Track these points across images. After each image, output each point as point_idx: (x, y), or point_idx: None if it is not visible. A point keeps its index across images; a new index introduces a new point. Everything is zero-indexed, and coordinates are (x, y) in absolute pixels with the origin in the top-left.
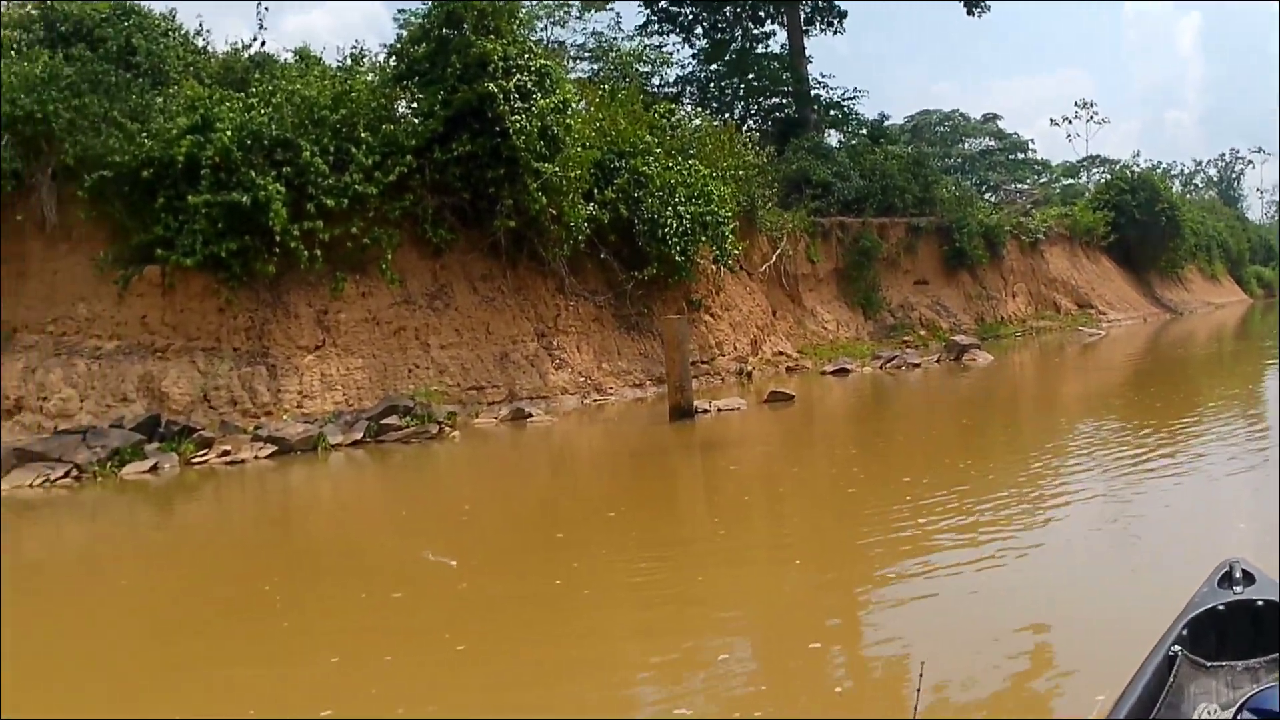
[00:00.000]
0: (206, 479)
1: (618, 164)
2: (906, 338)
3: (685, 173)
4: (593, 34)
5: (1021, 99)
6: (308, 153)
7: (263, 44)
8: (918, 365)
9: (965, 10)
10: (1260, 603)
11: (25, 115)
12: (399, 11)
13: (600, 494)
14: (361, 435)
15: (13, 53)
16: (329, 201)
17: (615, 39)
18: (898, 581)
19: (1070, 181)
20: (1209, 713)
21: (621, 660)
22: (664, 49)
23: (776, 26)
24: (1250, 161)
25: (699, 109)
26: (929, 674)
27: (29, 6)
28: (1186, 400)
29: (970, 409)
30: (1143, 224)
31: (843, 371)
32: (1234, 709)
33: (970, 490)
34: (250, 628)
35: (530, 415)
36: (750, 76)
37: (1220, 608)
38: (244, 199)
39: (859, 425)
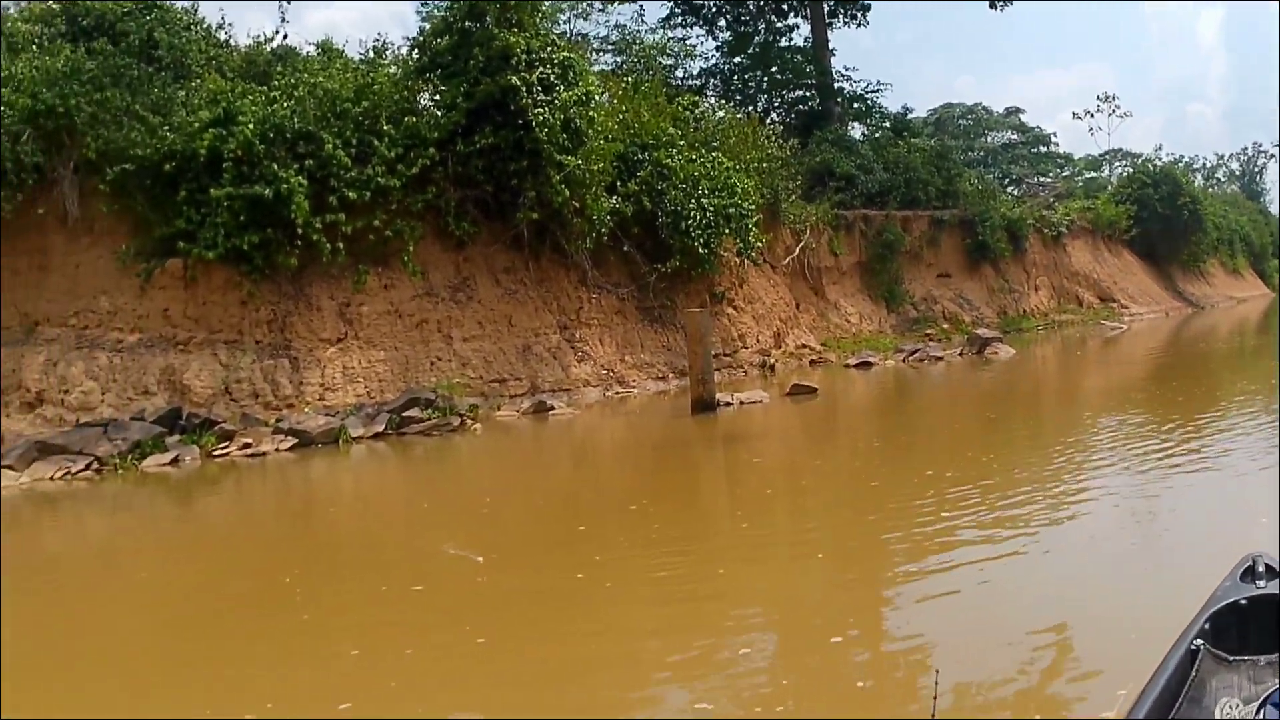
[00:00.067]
0: (227, 471)
1: (641, 156)
2: (929, 331)
3: (709, 165)
4: (616, 26)
5: (1044, 92)
6: (330, 145)
7: (285, 37)
8: (940, 358)
9: (988, 4)
10: None
11: (47, 109)
12: (421, 4)
13: (622, 487)
14: (383, 428)
15: (34, 47)
16: (351, 194)
17: (638, 31)
18: (920, 576)
19: (1092, 175)
20: (1231, 707)
21: (642, 654)
22: (687, 42)
23: (800, 19)
24: (1273, 155)
25: (722, 102)
26: (951, 670)
27: (51, 1)
28: (1208, 394)
29: (993, 403)
30: (1165, 218)
31: (866, 364)
32: (1256, 704)
33: (993, 485)
34: (270, 621)
35: (552, 408)
36: (774, 69)
37: (1243, 602)
38: (266, 192)
39: (882, 418)
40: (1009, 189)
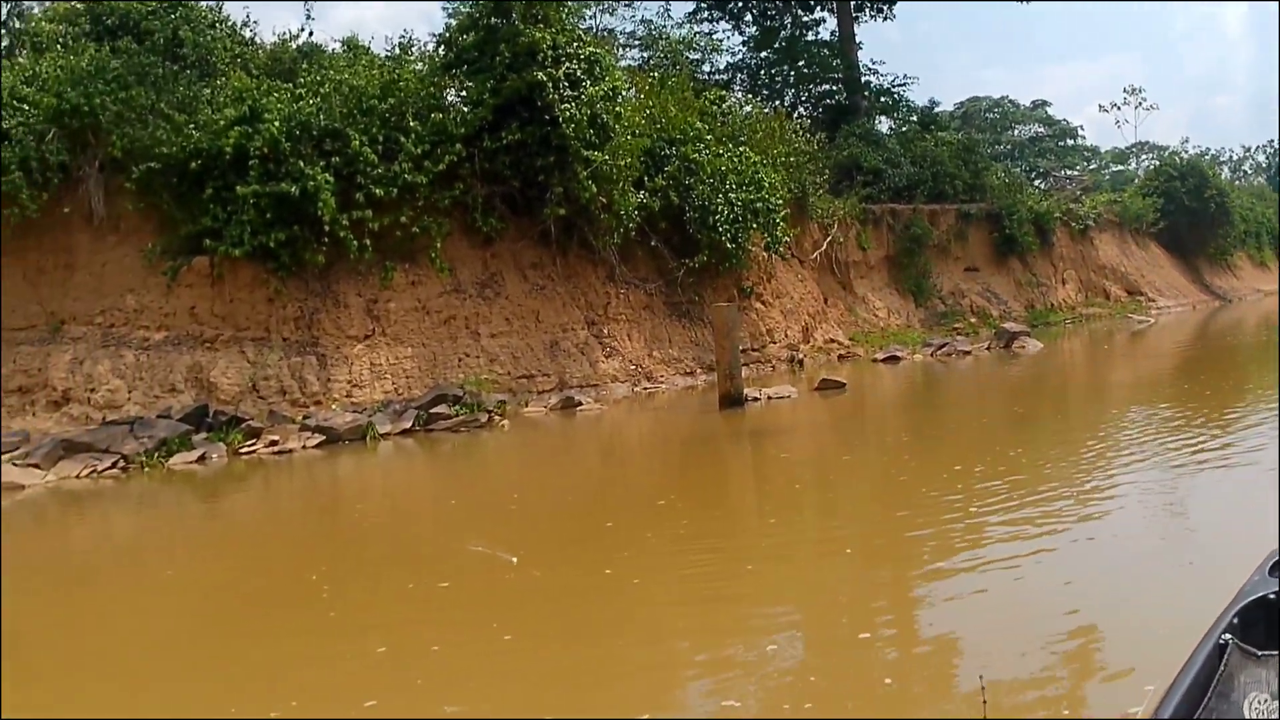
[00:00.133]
0: (254, 469)
1: (668, 151)
2: (957, 325)
3: (736, 160)
4: (642, 21)
5: (1070, 85)
6: (356, 142)
7: (310, 35)
8: (968, 353)
9: None
10: None
11: (72, 108)
12: (447, 1)
13: (649, 483)
14: (410, 424)
15: (59, 47)
16: (378, 191)
17: (665, 26)
18: (948, 572)
19: (1119, 168)
20: (1260, 702)
21: (669, 650)
22: (714, 36)
23: (826, 13)
24: None
25: (749, 96)
26: (979, 668)
27: (75, 1)
28: (1236, 388)
29: (1020, 397)
30: (1192, 211)
31: (894, 359)
32: None
33: (1021, 480)
34: (296, 618)
35: (580, 404)
36: (800, 63)
37: (1271, 596)
38: (293, 189)
39: (910, 413)
40: (1036, 182)
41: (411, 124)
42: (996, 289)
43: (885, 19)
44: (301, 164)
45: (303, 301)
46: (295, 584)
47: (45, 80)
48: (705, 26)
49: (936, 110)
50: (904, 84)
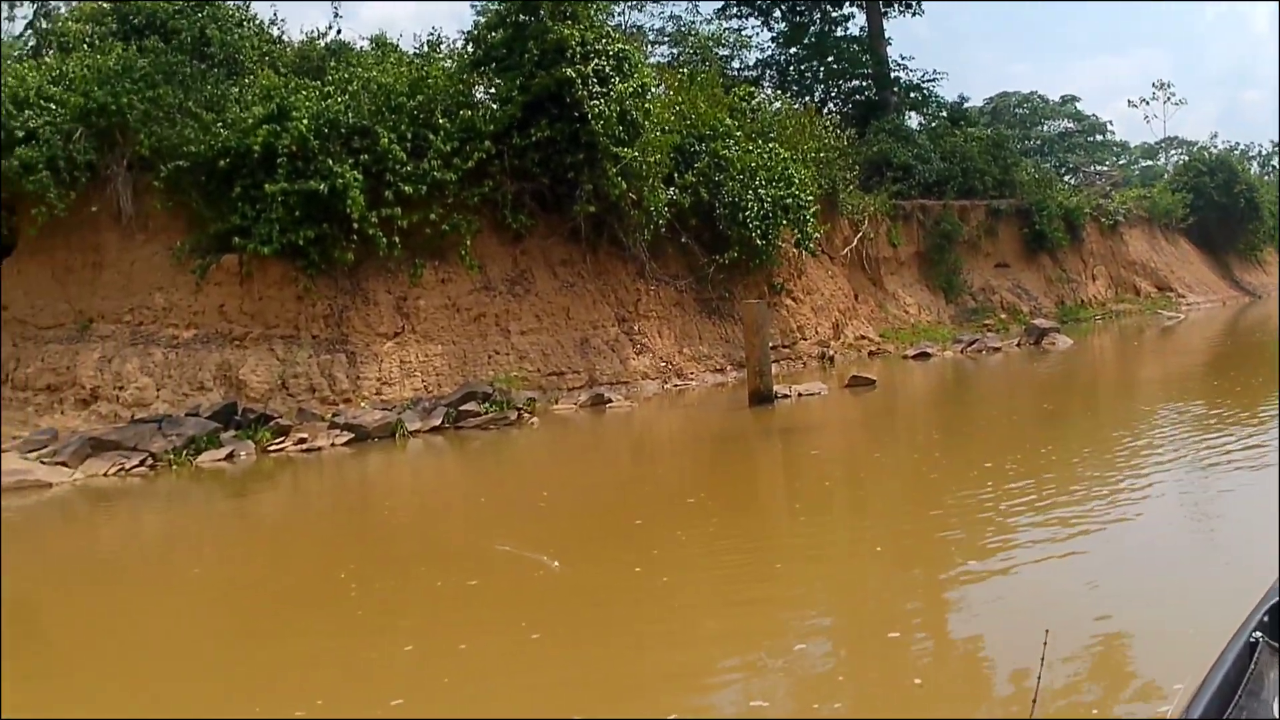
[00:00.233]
0: (282, 467)
1: (698, 148)
2: (987, 321)
3: (766, 156)
4: (671, 18)
5: (1098, 80)
6: (385, 140)
7: (338, 32)
8: (998, 349)
9: None
10: None
11: (99, 107)
12: None
13: (679, 480)
14: (440, 422)
15: (86, 46)
16: (407, 188)
17: (694, 22)
18: (979, 570)
19: (1148, 163)
20: None
21: (697, 648)
22: (743, 32)
23: (855, 9)
24: None
25: (779, 92)
26: (1008, 666)
27: (102, 0)
28: (1267, 385)
29: (1050, 394)
30: (1221, 206)
31: (924, 355)
32: None
33: (1052, 478)
34: (324, 616)
35: (610, 401)
36: (830, 59)
37: None
38: (321, 187)
39: (940, 410)
40: (1065, 178)
41: (440, 121)
42: (1027, 285)
43: (914, 14)
44: (330, 162)
45: (332, 299)
46: (323, 582)
47: (72, 80)
48: (734, 22)
49: (966, 106)
50: (933, 79)
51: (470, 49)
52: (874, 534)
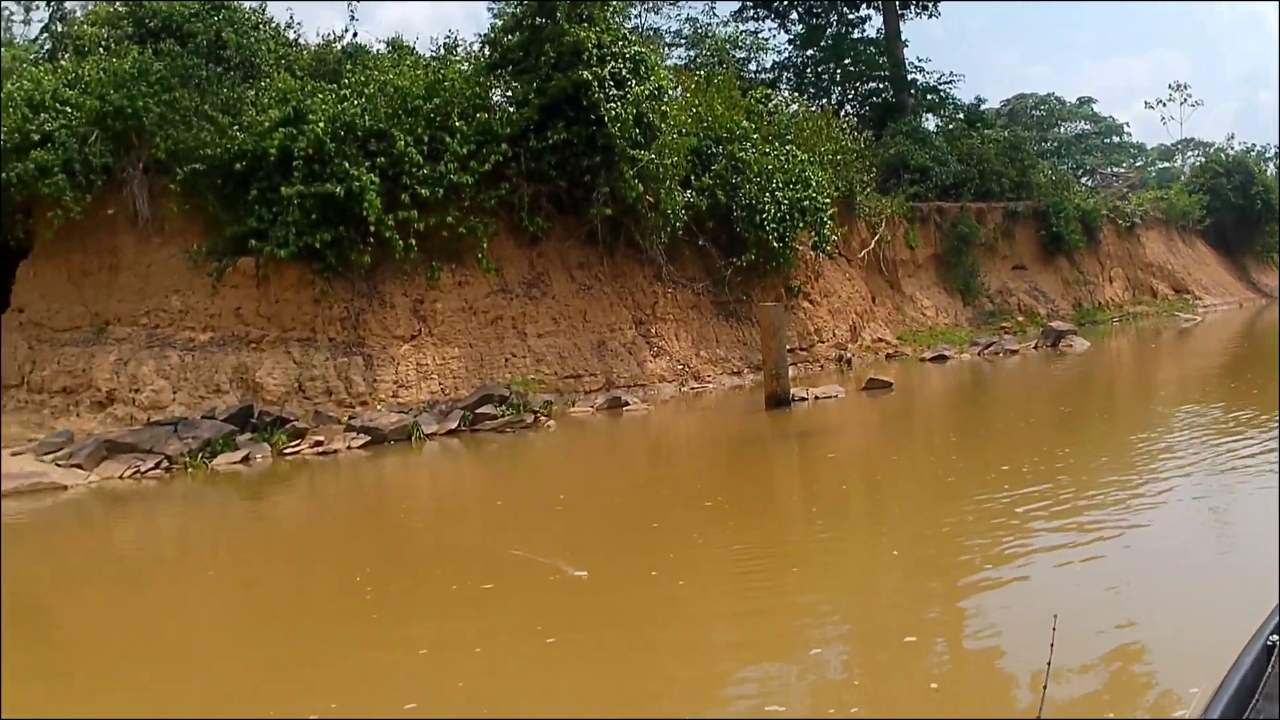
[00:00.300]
0: (298, 469)
1: (715, 150)
2: (1005, 323)
3: (783, 158)
4: (687, 20)
5: (1116, 81)
6: (401, 142)
7: (355, 35)
8: (1015, 352)
9: None
10: None
11: (115, 110)
12: (493, 1)
13: (695, 483)
14: (456, 425)
15: (101, 50)
16: (424, 191)
17: (710, 25)
18: (995, 574)
19: (1165, 165)
20: None
21: (713, 652)
22: (759, 35)
23: (872, 11)
24: None
25: (795, 95)
26: (1026, 668)
27: (117, 4)
28: None
29: (1068, 396)
30: (1238, 208)
31: (941, 358)
32: None
33: (1069, 481)
34: (339, 619)
35: (626, 404)
36: (846, 61)
37: None
38: (338, 190)
39: (957, 413)
40: (1082, 180)
41: (457, 124)
42: (1044, 287)
43: (930, 16)
44: (346, 165)
45: (349, 302)
46: (338, 585)
47: (88, 83)
48: (751, 25)
49: (983, 108)
50: (950, 81)
51: (486, 52)
52: (891, 538)
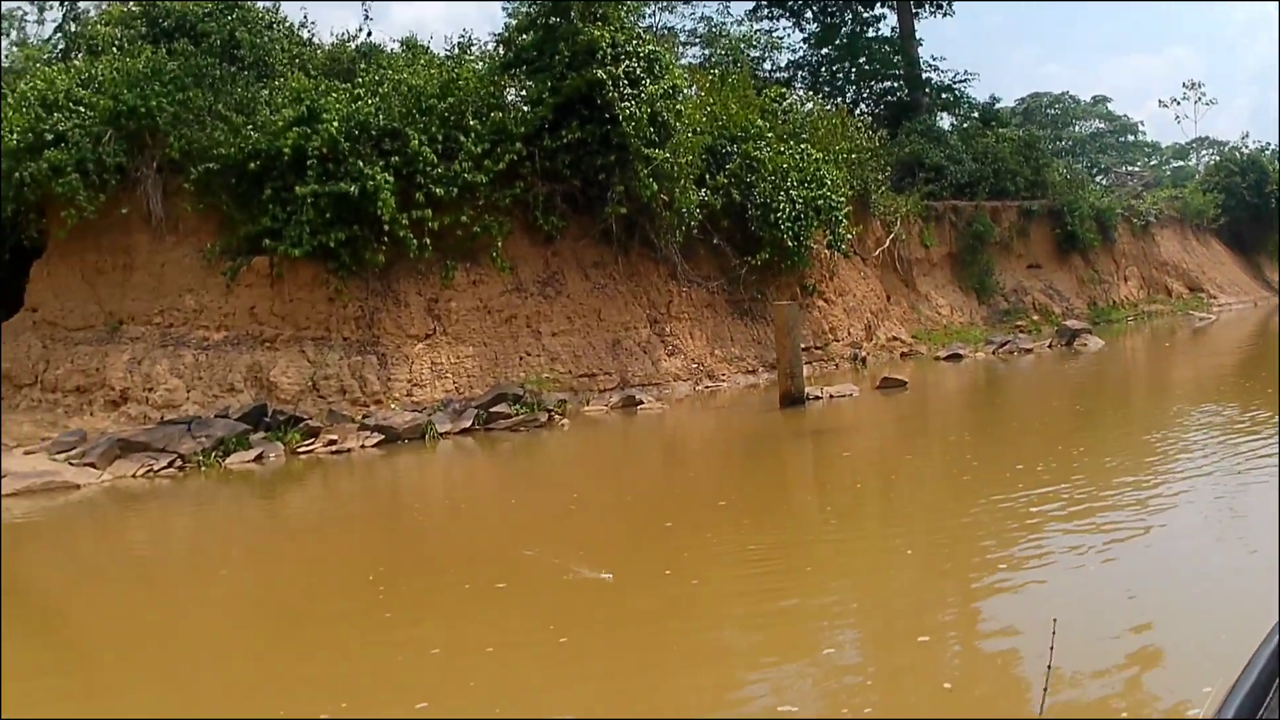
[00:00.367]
0: (312, 468)
1: (729, 149)
2: (1019, 322)
3: (797, 157)
4: (702, 19)
5: (1130, 79)
6: (416, 142)
7: (369, 35)
8: (1030, 350)
9: None
10: None
11: (129, 110)
12: (507, 0)
13: (709, 483)
14: (470, 423)
15: (115, 50)
16: (438, 190)
17: (725, 24)
18: (1010, 573)
19: (1179, 163)
20: None
21: (727, 652)
22: (774, 34)
23: (886, 9)
24: None
25: (810, 93)
26: (1038, 668)
27: (131, 3)
28: None
29: (1082, 395)
30: (1252, 206)
31: (956, 357)
32: None
33: (1083, 481)
34: (352, 618)
35: (641, 402)
36: (861, 60)
37: None
38: (352, 189)
39: (971, 412)
40: (1097, 178)
41: (471, 123)
42: (1059, 286)
43: (945, 15)
44: (360, 164)
45: (363, 301)
46: (351, 584)
47: (102, 83)
48: (765, 24)
49: (997, 106)
50: (965, 80)
51: (501, 51)
52: (905, 537)
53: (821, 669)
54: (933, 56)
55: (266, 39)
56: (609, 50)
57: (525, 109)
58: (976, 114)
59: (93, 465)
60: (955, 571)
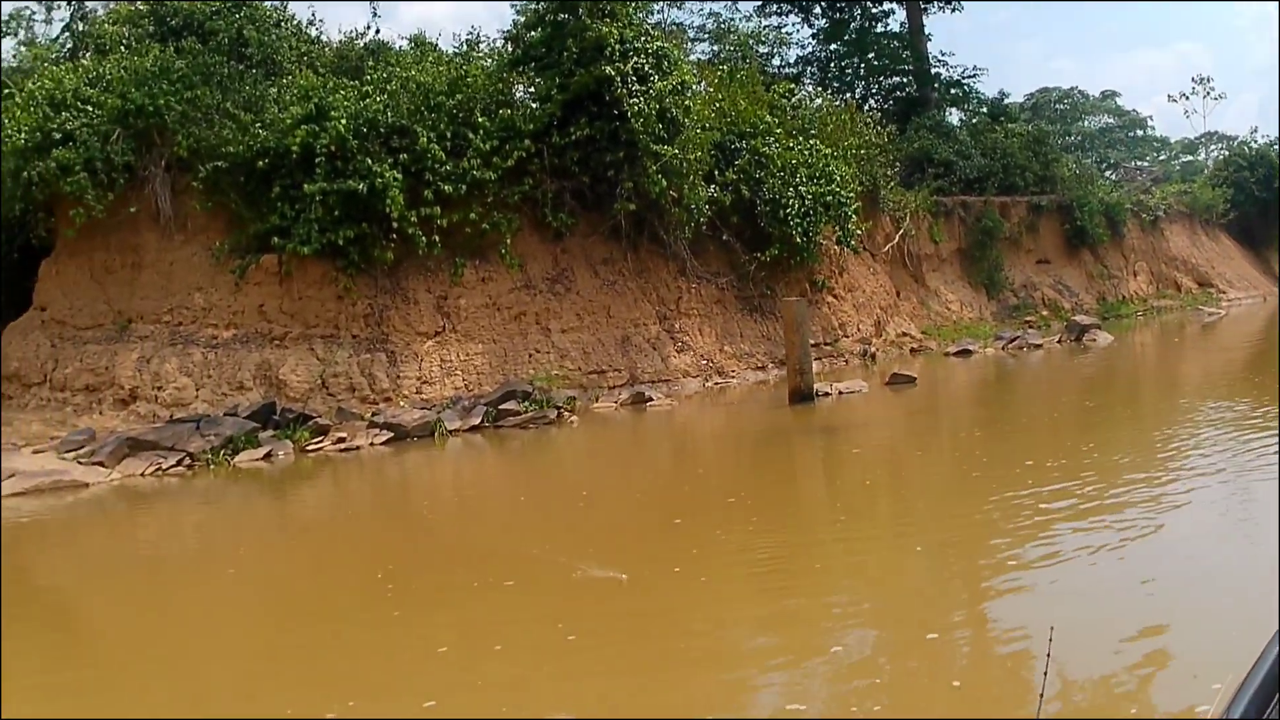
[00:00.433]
0: (321, 466)
1: (738, 145)
2: (1029, 318)
3: (806, 153)
4: (710, 15)
5: (1139, 74)
6: (424, 139)
7: (377, 32)
8: (1039, 346)
9: None
10: None
11: (137, 109)
12: None
13: (719, 479)
14: (479, 421)
15: (123, 48)
16: (447, 187)
17: (733, 20)
18: (1019, 571)
19: (1189, 158)
20: None
21: (735, 650)
22: (783, 29)
23: (895, 5)
24: None
25: (819, 89)
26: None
27: (138, 2)
28: None
29: (1092, 391)
30: (1261, 201)
31: (965, 353)
32: None
33: (1093, 477)
34: (360, 616)
35: (650, 399)
36: (870, 56)
37: None
38: (360, 186)
39: (981, 407)
40: (1106, 173)
41: (480, 120)
42: (1068, 281)
43: (954, 10)
44: (369, 161)
45: (372, 298)
46: (360, 582)
47: (110, 81)
48: (774, 19)
49: (1006, 102)
50: (973, 75)
51: (509, 48)
52: (915, 535)
53: (831, 667)
54: (941, 52)
55: (274, 37)
56: (617, 47)
57: (534, 106)
58: (985, 109)
59: (101, 464)
60: (963, 570)
